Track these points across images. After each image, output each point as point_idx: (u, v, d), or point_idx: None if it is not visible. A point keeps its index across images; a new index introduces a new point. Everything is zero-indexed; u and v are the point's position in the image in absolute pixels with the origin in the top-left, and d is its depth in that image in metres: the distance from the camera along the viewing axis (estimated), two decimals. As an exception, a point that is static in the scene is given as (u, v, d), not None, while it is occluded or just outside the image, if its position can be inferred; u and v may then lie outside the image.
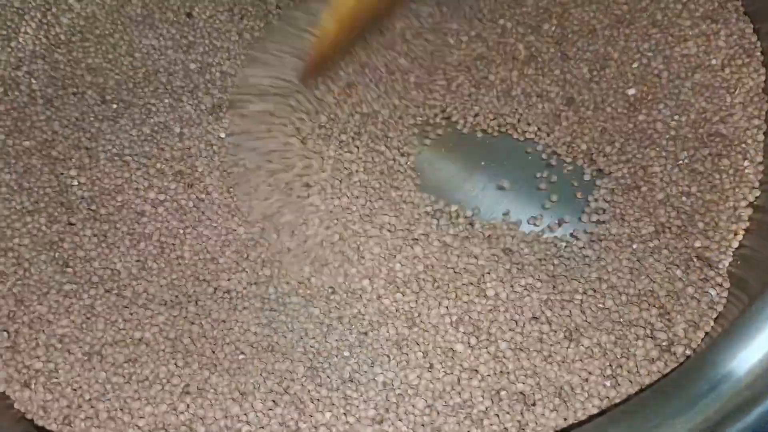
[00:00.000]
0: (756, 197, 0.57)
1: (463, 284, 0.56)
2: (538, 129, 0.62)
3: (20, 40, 0.66)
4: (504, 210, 0.60)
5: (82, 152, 0.61)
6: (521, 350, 0.54)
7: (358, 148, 0.62)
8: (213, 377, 0.54)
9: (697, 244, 0.56)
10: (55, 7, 0.67)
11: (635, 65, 0.63)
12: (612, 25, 0.65)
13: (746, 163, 0.58)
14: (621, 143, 0.61)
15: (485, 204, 0.61)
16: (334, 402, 0.53)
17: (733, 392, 0.46)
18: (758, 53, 0.62)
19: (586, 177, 0.61)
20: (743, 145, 0.59)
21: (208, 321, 0.56)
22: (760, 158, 0.59)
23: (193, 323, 0.56)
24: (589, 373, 0.52)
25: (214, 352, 0.55)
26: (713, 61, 0.62)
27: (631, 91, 0.62)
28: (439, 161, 0.63)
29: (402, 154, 0.62)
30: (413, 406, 0.52)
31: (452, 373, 0.53)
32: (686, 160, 0.59)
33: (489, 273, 0.56)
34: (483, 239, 0.58)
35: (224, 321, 0.56)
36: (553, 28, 0.65)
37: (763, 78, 0.61)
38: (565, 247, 0.58)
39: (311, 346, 0.55)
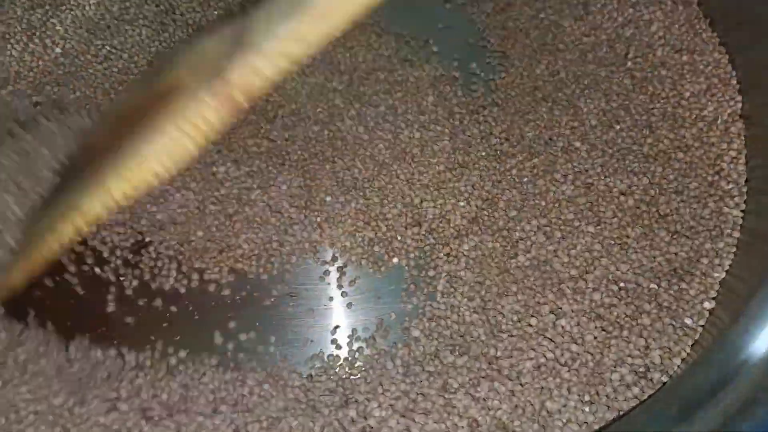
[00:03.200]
0: (742, 218, 0.58)
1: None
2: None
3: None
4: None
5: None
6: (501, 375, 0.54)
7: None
8: None
9: (683, 267, 0.57)
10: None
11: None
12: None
13: (730, 186, 0.59)
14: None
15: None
16: None
17: (708, 416, 0.46)
18: (734, 82, 0.64)
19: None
20: (723, 172, 0.60)
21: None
22: (742, 181, 0.60)
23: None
24: (567, 399, 0.53)
25: None
26: (686, 93, 0.64)
27: (617, 127, 0.63)
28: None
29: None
30: (391, 428, 0.52)
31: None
32: (678, 188, 0.60)
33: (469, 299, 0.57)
34: (468, 267, 0.58)
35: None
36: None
37: (739, 105, 0.63)
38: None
39: None
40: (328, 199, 0.62)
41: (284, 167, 0.63)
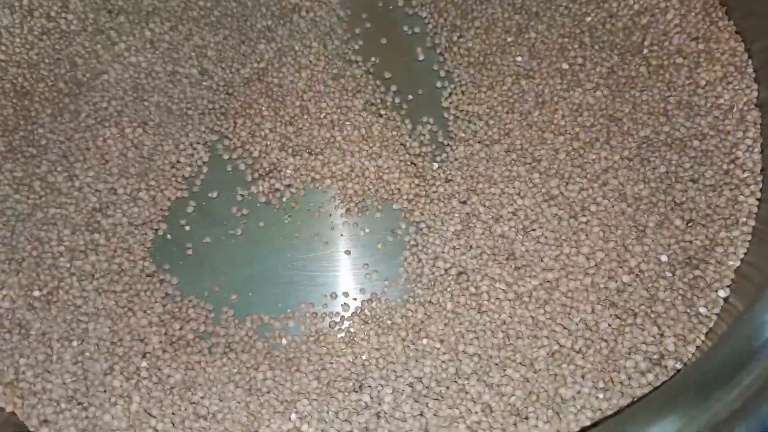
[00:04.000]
0: (757, 206, 0.58)
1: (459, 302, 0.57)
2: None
3: None
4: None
5: None
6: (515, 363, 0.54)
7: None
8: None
9: (698, 255, 0.57)
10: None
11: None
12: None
13: (745, 174, 0.59)
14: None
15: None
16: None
17: (723, 403, 0.46)
18: (750, 70, 0.63)
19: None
20: (738, 160, 0.60)
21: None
22: (758, 169, 0.59)
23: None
24: (582, 386, 0.53)
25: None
26: (702, 82, 0.63)
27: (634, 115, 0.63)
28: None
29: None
30: (404, 413, 0.53)
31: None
32: (694, 176, 0.60)
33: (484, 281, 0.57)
34: (477, 255, 0.59)
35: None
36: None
37: (755, 94, 0.62)
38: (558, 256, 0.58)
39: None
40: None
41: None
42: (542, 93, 0.65)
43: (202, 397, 0.53)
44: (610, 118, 0.63)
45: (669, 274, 0.56)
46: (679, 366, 0.53)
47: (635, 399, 0.52)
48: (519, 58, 0.67)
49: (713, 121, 0.62)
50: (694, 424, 0.44)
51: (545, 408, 0.52)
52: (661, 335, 0.54)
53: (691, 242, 0.57)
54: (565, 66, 0.66)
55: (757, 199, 0.58)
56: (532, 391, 0.53)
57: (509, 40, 0.68)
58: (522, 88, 0.66)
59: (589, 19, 0.69)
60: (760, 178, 0.59)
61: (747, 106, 0.62)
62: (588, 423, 0.51)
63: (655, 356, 0.53)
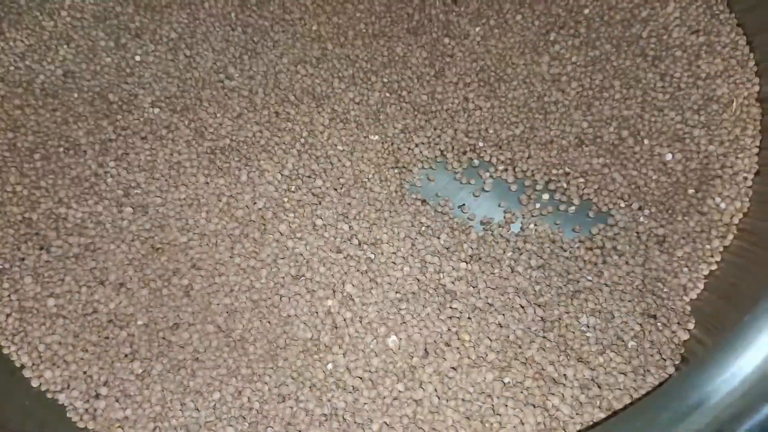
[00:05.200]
0: (747, 207, 0.58)
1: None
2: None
3: None
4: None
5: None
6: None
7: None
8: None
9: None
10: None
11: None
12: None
13: (741, 164, 0.59)
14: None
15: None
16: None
17: (712, 413, 0.45)
18: (751, 64, 0.62)
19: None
20: (736, 152, 0.59)
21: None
22: (754, 159, 0.59)
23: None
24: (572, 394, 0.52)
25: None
26: (702, 74, 0.62)
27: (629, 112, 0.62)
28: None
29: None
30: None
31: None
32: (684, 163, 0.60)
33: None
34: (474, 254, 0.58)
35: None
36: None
37: (757, 88, 0.61)
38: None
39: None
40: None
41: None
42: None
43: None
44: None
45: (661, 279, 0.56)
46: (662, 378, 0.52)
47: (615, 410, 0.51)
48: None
49: (711, 115, 0.61)
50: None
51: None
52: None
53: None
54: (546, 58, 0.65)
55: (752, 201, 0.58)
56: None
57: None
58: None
59: (587, 11, 0.67)
60: (752, 176, 0.59)
61: (748, 101, 0.61)
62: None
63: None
